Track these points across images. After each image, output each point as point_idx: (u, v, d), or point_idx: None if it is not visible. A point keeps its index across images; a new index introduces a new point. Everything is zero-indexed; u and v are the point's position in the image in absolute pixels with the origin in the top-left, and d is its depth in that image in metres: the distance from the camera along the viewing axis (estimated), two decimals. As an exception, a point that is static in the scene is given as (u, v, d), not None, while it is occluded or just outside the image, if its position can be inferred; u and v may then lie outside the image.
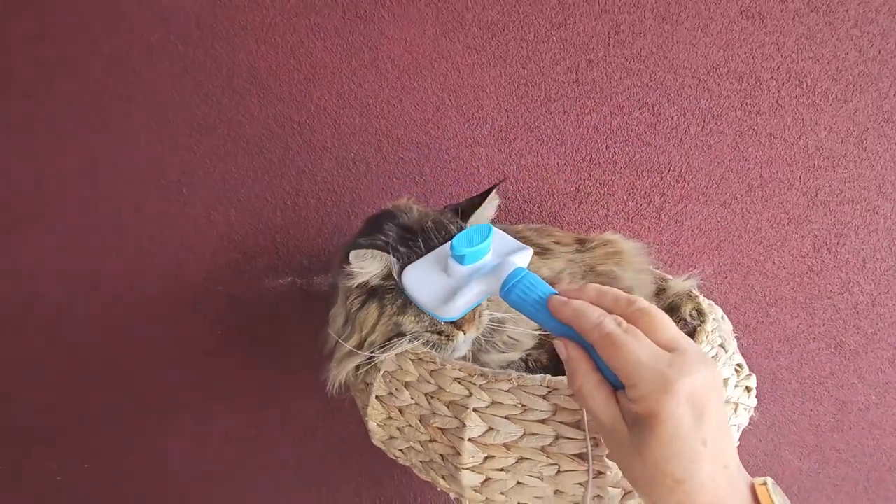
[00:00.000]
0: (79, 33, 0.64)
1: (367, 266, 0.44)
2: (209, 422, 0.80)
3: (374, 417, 0.42)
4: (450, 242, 0.41)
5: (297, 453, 0.82)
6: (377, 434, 0.43)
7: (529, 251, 0.42)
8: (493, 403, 0.38)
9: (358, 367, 0.45)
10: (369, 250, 0.43)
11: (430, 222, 0.46)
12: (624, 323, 0.32)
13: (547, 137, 0.70)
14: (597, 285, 0.35)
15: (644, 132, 0.70)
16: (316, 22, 0.65)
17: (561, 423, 0.37)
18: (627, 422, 0.31)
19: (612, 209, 0.73)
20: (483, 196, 0.48)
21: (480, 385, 0.39)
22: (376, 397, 0.42)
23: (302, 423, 0.81)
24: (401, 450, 0.42)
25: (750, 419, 0.43)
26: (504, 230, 0.62)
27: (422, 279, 0.42)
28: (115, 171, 0.69)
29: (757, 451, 0.82)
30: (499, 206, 0.50)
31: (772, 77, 0.68)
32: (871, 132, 0.70)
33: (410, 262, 0.44)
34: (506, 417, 0.38)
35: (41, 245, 0.70)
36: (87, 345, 0.74)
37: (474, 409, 0.38)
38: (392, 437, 0.42)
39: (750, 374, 0.44)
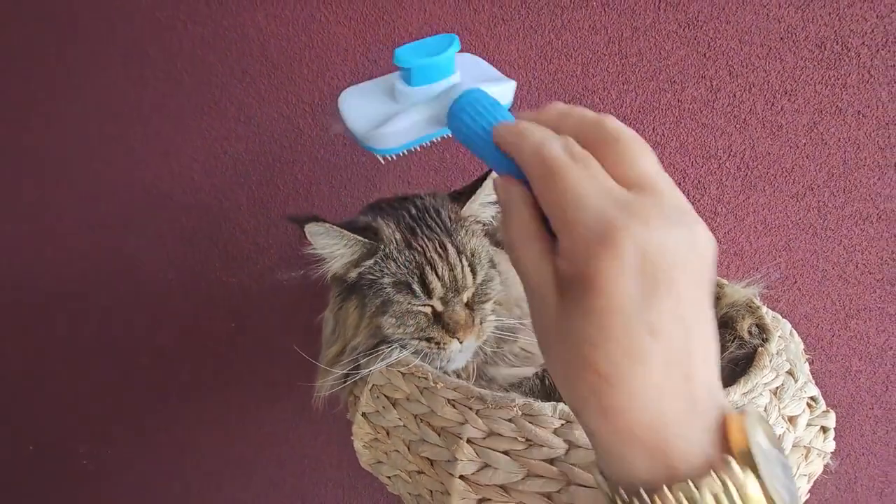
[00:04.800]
0: (86, 12, 0.62)
1: (327, 245, 0.39)
2: (223, 415, 0.78)
3: (361, 437, 0.37)
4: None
5: (313, 449, 0.79)
6: (364, 456, 0.37)
7: (512, 83, 0.33)
8: (491, 434, 0.32)
9: (346, 378, 0.40)
10: (325, 224, 0.38)
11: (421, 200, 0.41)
12: (577, 148, 0.23)
13: (584, 118, 0.62)
14: (565, 105, 0.25)
15: (699, 111, 0.60)
16: (328, -7, 0.60)
17: (574, 465, 0.29)
18: (559, 289, 0.22)
19: (658, 201, 0.63)
20: (483, 179, 0.41)
21: (477, 411, 0.32)
22: (363, 414, 0.37)
23: (317, 419, 0.77)
24: (388, 476, 0.36)
25: (825, 468, 0.34)
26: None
27: (361, 103, 0.33)
28: (126, 156, 0.67)
29: (827, 484, 0.71)
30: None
31: (863, 42, 0.57)
32: None
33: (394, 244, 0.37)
34: (505, 453, 0.31)
35: (54, 236, 0.69)
36: (102, 334, 0.74)
37: (468, 441, 0.31)
38: (379, 462, 0.37)
39: (827, 411, 0.35)
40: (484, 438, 0.31)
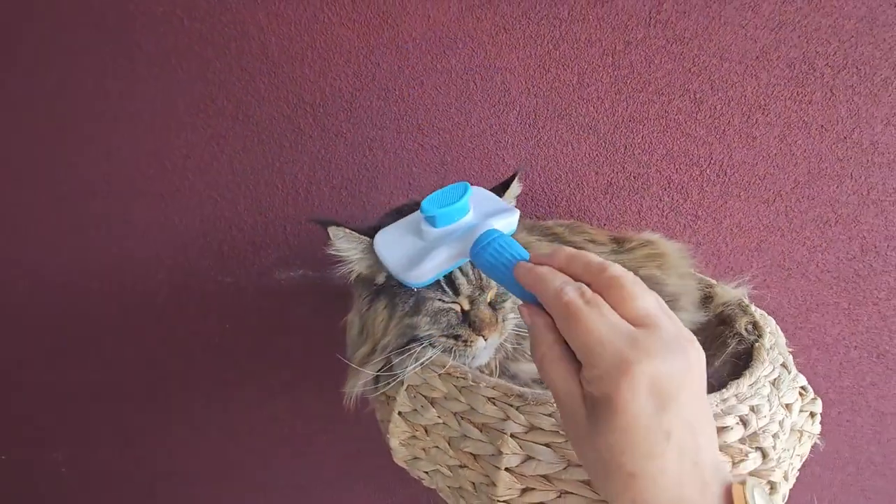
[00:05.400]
0: (72, 2, 0.59)
1: (348, 248, 0.41)
2: (214, 418, 0.77)
3: (397, 435, 0.38)
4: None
5: (307, 452, 0.79)
6: (399, 453, 0.39)
7: (516, 214, 0.38)
8: (533, 429, 0.34)
9: (377, 379, 0.41)
10: (344, 229, 0.40)
11: None
12: (588, 292, 0.28)
13: (578, 126, 0.65)
14: (570, 249, 0.31)
15: (684, 122, 0.65)
16: (332, -5, 0.60)
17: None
18: (586, 403, 0.28)
19: (645, 205, 0.68)
20: (504, 186, 0.44)
21: (518, 407, 0.35)
22: (399, 413, 0.38)
23: (312, 422, 0.78)
24: (426, 472, 0.38)
25: (812, 448, 0.39)
26: (532, 226, 0.58)
27: (393, 242, 0.39)
28: (116, 153, 0.65)
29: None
30: (518, 196, 0.46)
31: (826, 64, 0.63)
32: (933, 126, 0.65)
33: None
34: (547, 445, 0.33)
35: (40, 235, 0.66)
36: (89, 338, 0.71)
37: (511, 435, 0.34)
38: (416, 458, 0.39)
39: (815, 398, 0.40)
40: (526, 433, 0.34)
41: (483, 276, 0.41)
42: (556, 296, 0.28)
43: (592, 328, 0.27)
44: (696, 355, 0.27)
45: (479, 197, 0.41)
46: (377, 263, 0.43)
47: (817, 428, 0.39)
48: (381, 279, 0.42)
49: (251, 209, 0.68)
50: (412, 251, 0.37)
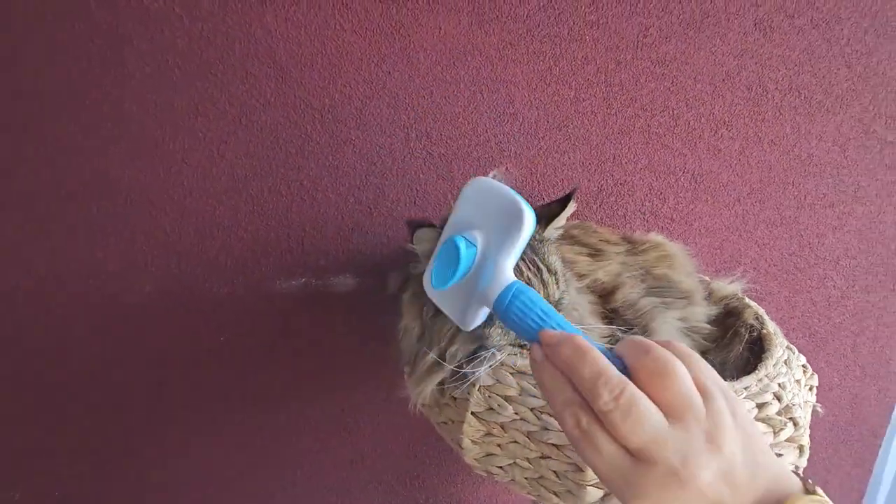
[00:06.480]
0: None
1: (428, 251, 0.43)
2: (207, 431, 0.73)
3: (470, 434, 0.40)
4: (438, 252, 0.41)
5: (307, 463, 0.78)
6: (471, 451, 0.41)
7: (528, 218, 0.37)
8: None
9: (441, 383, 0.43)
10: (437, 230, 0.42)
11: None
12: (584, 421, 0.29)
13: (574, 137, 0.70)
14: (578, 346, 0.30)
15: (664, 135, 0.72)
16: (344, 1, 0.60)
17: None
18: None
19: (629, 209, 0.75)
20: (563, 203, 0.47)
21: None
22: (472, 413, 0.40)
23: (313, 430, 0.76)
24: (500, 467, 0.41)
25: (813, 416, 0.47)
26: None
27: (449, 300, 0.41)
28: (100, 153, 0.59)
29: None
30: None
31: (776, 87, 0.73)
32: (853, 142, 0.78)
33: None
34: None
35: (22, 243, 0.59)
36: (66, 353, 0.65)
37: (594, 424, 0.37)
38: (490, 455, 0.41)
39: (813, 374, 0.48)
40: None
41: (550, 293, 0.43)
42: (559, 413, 0.30)
43: (587, 458, 0.29)
44: (696, 488, 0.27)
45: (480, 208, 0.40)
46: None
47: (814, 398, 0.47)
48: None
49: (252, 216, 0.65)
50: (458, 298, 0.39)
